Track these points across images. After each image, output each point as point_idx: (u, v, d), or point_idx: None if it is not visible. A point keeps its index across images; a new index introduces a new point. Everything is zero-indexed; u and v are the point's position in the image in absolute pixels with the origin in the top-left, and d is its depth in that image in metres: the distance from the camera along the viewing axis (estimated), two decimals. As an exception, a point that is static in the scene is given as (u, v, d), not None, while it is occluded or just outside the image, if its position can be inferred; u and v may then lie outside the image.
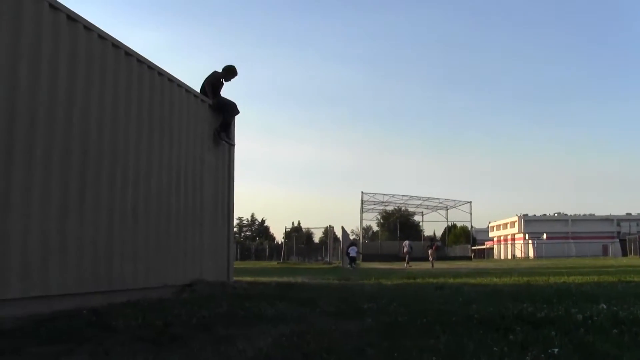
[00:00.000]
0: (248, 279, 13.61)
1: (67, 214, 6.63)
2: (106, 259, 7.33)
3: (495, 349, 4.02)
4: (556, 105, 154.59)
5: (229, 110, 11.23)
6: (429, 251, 39.57)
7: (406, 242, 44.47)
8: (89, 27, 7.15)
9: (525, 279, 13.64)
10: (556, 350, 3.94)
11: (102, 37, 7.44)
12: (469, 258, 68.25)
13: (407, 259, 40.49)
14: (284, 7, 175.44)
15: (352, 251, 38.98)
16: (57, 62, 6.56)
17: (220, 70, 11.33)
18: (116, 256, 7.51)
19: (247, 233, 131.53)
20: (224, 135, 11.03)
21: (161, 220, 8.66)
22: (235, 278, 11.64)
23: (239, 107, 11.45)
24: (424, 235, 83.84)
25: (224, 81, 11.32)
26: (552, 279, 13.17)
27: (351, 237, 59.73)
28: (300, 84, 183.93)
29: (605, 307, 6.25)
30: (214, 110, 10.87)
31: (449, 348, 4.10)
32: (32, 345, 4.28)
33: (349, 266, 36.46)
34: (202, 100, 10.45)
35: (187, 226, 9.44)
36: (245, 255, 73.43)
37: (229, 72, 11.41)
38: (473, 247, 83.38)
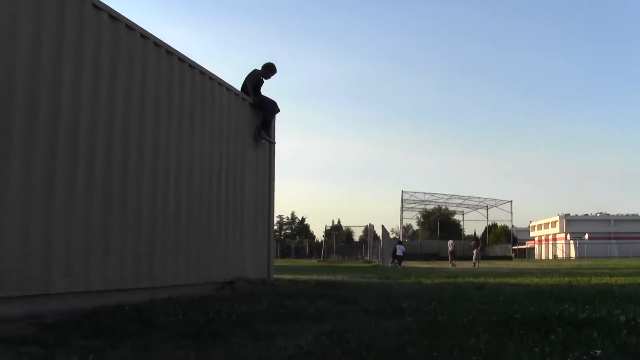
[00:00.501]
0: (288, 276, 13.66)
1: (110, 212, 6.72)
2: (148, 256, 7.41)
3: (536, 349, 3.96)
4: (597, 101, 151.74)
5: (269, 108, 11.27)
6: (474, 251, 39.22)
7: (450, 242, 44.38)
8: (130, 26, 7.22)
9: (566, 279, 13.43)
10: (598, 352, 3.86)
11: (144, 36, 7.51)
12: (509, 258, 67.60)
13: (453, 257, 40.40)
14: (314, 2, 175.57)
15: (400, 250, 38.98)
16: (99, 61, 6.64)
17: (260, 68, 11.37)
18: (158, 253, 7.59)
19: (287, 231, 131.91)
20: (264, 134, 11.08)
21: (202, 217, 8.73)
22: (275, 276, 11.69)
23: (279, 106, 11.50)
24: (464, 234, 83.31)
25: (264, 79, 11.35)
26: (594, 280, 12.95)
27: (391, 236, 59.62)
28: (340, 80, 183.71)
29: (649, 308, 6.14)
30: (254, 109, 10.92)
31: (490, 348, 4.06)
32: (76, 339, 4.35)
33: (391, 264, 36.57)
34: (242, 98, 10.50)
35: (228, 223, 9.50)
36: (285, 253, 73.61)
37: (269, 69, 11.44)
38: (514, 247, 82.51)
